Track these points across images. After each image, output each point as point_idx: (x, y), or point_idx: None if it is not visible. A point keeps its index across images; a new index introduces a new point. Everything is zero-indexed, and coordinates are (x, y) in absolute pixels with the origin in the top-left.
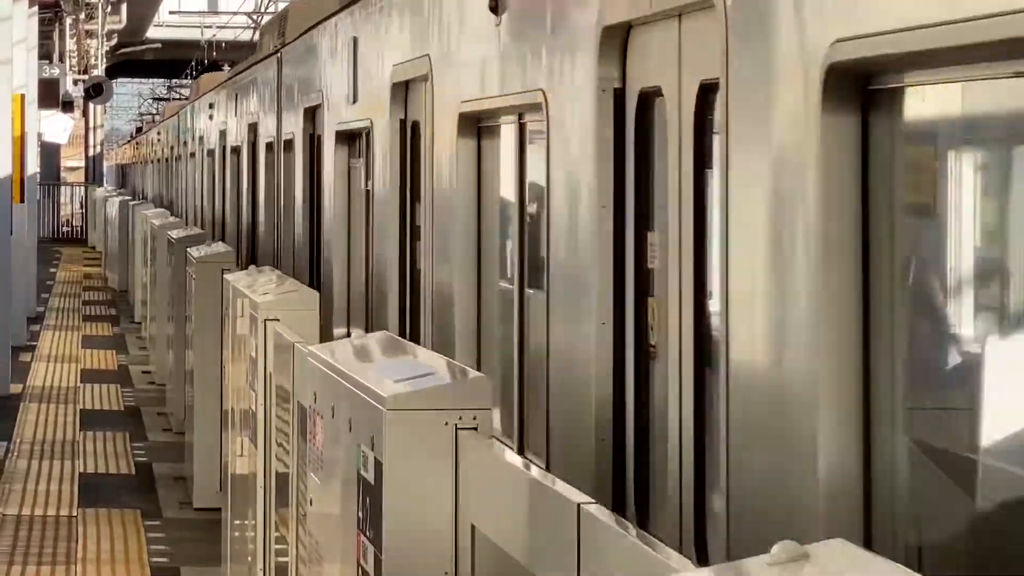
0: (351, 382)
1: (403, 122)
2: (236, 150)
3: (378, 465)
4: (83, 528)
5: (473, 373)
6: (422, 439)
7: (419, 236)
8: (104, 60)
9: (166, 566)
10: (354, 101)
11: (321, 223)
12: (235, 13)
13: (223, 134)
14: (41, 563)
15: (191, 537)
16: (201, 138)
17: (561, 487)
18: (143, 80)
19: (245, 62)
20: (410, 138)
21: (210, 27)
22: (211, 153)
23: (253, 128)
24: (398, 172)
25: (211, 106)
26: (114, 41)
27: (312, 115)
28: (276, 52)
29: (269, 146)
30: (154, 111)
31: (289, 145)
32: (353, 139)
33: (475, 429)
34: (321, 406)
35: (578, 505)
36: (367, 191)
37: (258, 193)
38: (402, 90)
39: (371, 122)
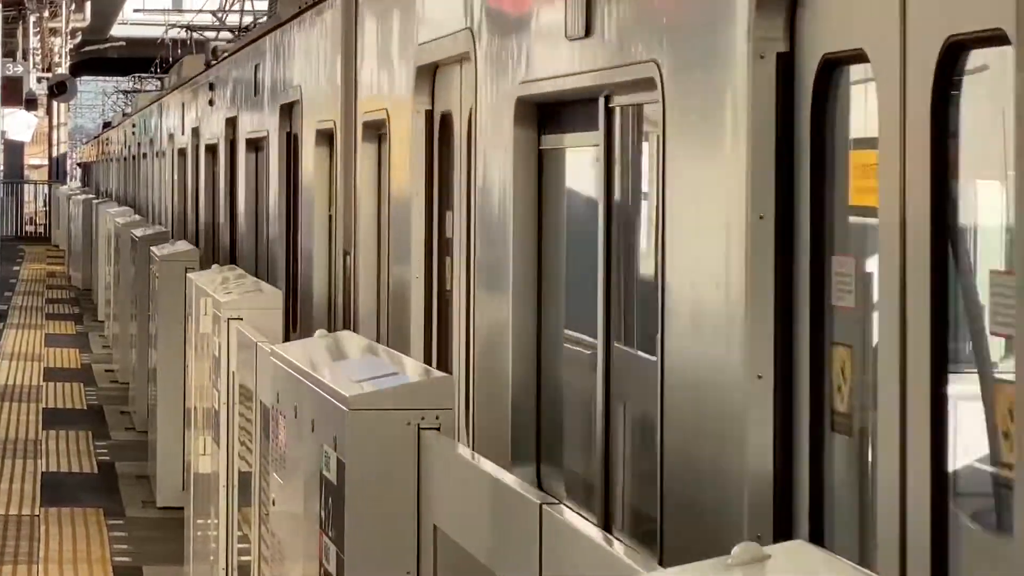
0: (313, 382)
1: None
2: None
3: (340, 465)
4: (45, 527)
5: (436, 373)
6: (384, 439)
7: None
8: (68, 58)
9: (128, 565)
10: (258, 109)
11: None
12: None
13: (172, 137)
14: (3, 562)
15: (154, 536)
16: (151, 140)
17: (523, 488)
18: (107, 78)
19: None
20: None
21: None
22: (160, 154)
23: (196, 131)
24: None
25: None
26: (78, 39)
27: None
28: (210, 65)
29: (209, 147)
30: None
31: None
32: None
33: (438, 429)
34: (284, 405)
35: (540, 505)
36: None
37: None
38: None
39: (267, 131)
